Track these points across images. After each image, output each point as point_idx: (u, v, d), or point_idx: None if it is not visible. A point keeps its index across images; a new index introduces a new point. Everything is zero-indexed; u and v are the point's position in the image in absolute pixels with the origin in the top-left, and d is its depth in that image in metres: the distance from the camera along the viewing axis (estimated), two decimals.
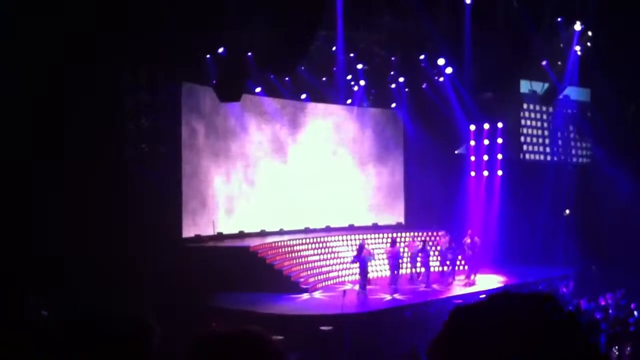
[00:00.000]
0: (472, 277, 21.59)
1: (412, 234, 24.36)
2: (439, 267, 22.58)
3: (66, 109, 16.21)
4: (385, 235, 23.95)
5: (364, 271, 19.74)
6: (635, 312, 15.62)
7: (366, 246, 20.73)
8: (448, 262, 21.91)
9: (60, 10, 15.52)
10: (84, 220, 15.92)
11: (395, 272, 21.31)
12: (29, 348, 1.64)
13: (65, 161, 16.22)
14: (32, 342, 1.64)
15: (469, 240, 21.81)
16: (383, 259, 22.23)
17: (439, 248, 22.66)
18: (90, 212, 16.15)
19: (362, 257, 19.79)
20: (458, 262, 22.22)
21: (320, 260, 22.04)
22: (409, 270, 22.32)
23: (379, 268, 22.62)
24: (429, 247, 22.27)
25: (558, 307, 1.38)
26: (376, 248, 22.44)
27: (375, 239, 23.85)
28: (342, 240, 23.45)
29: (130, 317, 1.69)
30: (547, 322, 1.34)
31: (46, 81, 15.65)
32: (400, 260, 21.75)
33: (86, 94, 16.55)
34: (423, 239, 23.08)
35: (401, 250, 22.22)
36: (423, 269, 21.85)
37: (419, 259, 21.96)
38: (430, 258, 21.83)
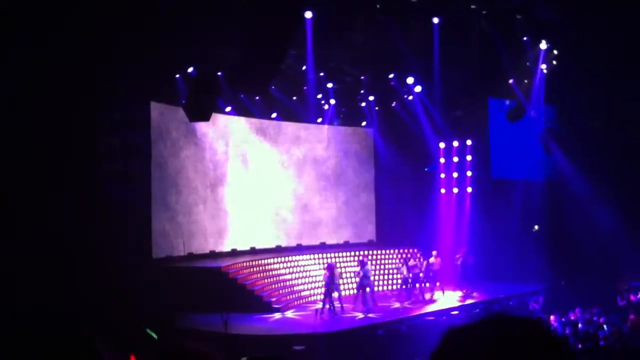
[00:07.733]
0: (426, 295, 21.86)
1: (383, 251, 24.41)
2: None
3: (37, 126, 15.95)
4: (357, 252, 23.96)
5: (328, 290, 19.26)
6: (605, 327, 15.73)
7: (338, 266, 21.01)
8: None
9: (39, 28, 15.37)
10: (53, 237, 15.63)
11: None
12: None
13: (35, 179, 15.95)
14: None
15: (431, 260, 22.31)
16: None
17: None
18: (60, 230, 15.87)
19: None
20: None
21: (292, 280, 21.95)
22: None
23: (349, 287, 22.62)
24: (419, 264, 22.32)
25: (548, 332, 1.45)
26: (347, 266, 22.48)
27: (345, 257, 23.85)
28: (314, 259, 23.40)
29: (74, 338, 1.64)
30: (537, 346, 1.41)
31: (20, 97, 15.43)
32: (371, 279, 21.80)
33: (59, 112, 16.32)
34: (409, 256, 22.96)
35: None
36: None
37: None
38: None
